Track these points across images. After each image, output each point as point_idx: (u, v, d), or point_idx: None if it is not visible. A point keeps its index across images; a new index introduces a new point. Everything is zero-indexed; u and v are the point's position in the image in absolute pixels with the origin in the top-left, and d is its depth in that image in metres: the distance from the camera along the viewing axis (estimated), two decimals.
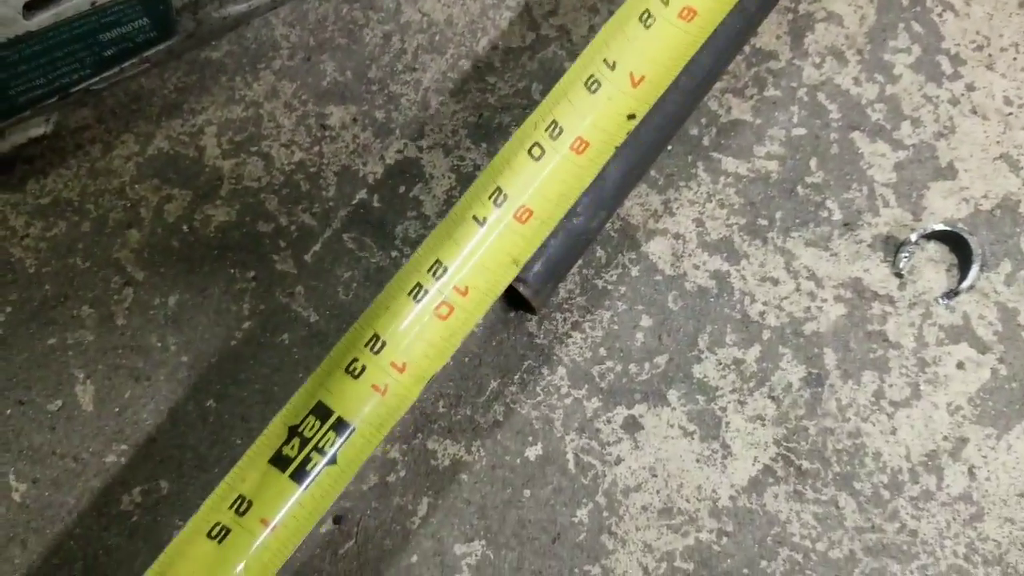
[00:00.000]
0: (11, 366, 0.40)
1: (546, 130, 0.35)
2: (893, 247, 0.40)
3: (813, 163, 0.41)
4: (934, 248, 0.40)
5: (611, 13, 0.37)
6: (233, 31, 0.43)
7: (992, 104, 0.41)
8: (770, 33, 0.42)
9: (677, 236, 0.41)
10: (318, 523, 0.38)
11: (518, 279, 0.37)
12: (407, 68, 0.43)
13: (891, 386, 0.38)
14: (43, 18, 0.35)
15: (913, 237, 0.39)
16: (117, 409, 0.39)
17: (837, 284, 0.40)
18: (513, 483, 0.38)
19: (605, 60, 0.35)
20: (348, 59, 0.43)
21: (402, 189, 0.42)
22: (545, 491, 0.38)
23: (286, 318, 0.40)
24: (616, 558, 0.37)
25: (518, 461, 0.38)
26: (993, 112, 0.41)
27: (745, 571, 0.37)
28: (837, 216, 0.40)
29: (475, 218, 0.35)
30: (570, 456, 0.38)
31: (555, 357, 0.39)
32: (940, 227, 0.39)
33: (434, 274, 0.34)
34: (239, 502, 0.33)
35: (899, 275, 0.39)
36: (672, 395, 0.39)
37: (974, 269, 0.38)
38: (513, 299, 0.39)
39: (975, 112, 0.41)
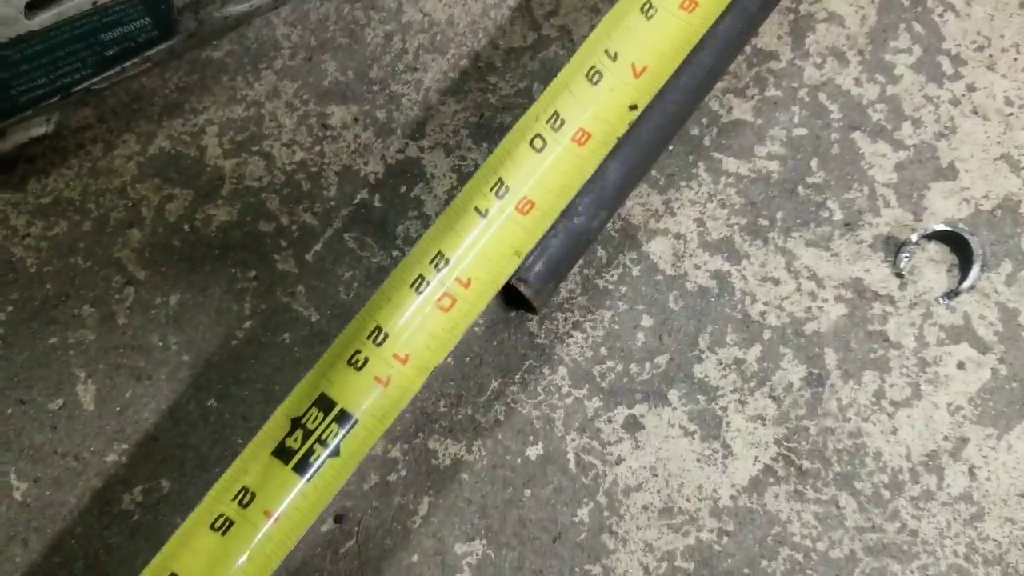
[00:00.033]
0: (12, 365, 0.40)
1: (547, 121, 0.35)
2: (894, 247, 0.40)
3: (814, 163, 0.41)
4: (935, 248, 0.40)
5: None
6: (234, 31, 0.44)
7: (993, 104, 0.41)
8: (771, 33, 0.43)
9: (678, 236, 0.41)
10: (319, 522, 0.38)
11: (519, 279, 0.37)
12: (408, 68, 0.43)
13: (892, 386, 0.38)
14: (45, 17, 0.35)
15: (914, 237, 0.39)
16: (118, 408, 0.39)
17: (838, 284, 0.40)
18: (514, 482, 0.38)
19: (606, 51, 0.35)
20: (349, 59, 0.43)
21: (403, 189, 0.42)
22: (546, 491, 0.38)
23: (287, 317, 0.40)
24: (617, 557, 0.37)
25: (519, 461, 0.38)
26: (994, 112, 0.41)
27: (746, 571, 0.37)
28: (838, 216, 0.40)
29: (477, 209, 0.35)
30: (571, 456, 0.38)
31: (556, 357, 0.39)
32: (941, 227, 0.39)
33: (436, 266, 0.34)
34: (242, 494, 0.33)
35: (900, 275, 0.39)
36: (673, 395, 0.39)
37: (975, 269, 0.38)
38: (514, 299, 0.39)
39: (976, 112, 0.41)
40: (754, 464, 0.38)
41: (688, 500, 0.38)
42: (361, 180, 0.42)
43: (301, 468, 0.33)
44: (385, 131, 0.42)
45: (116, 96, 0.43)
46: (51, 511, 0.38)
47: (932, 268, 0.39)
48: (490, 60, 0.43)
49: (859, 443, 0.38)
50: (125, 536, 0.38)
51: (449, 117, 0.42)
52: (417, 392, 0.35)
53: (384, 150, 0.42)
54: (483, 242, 0.35)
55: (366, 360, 0.34)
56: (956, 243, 0.39)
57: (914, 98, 0.41)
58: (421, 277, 0.34)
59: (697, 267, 0.40)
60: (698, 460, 0.38)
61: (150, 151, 0.42)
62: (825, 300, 0.39)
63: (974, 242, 0.39)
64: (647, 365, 0.39)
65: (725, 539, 0.37)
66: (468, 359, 0.40)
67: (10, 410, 0.39)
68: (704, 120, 0.42)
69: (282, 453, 0.33)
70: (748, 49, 0.42)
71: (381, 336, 0.34)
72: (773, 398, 0.38)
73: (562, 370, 0.39)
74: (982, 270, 0.39)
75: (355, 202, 0.42)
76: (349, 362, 0.34)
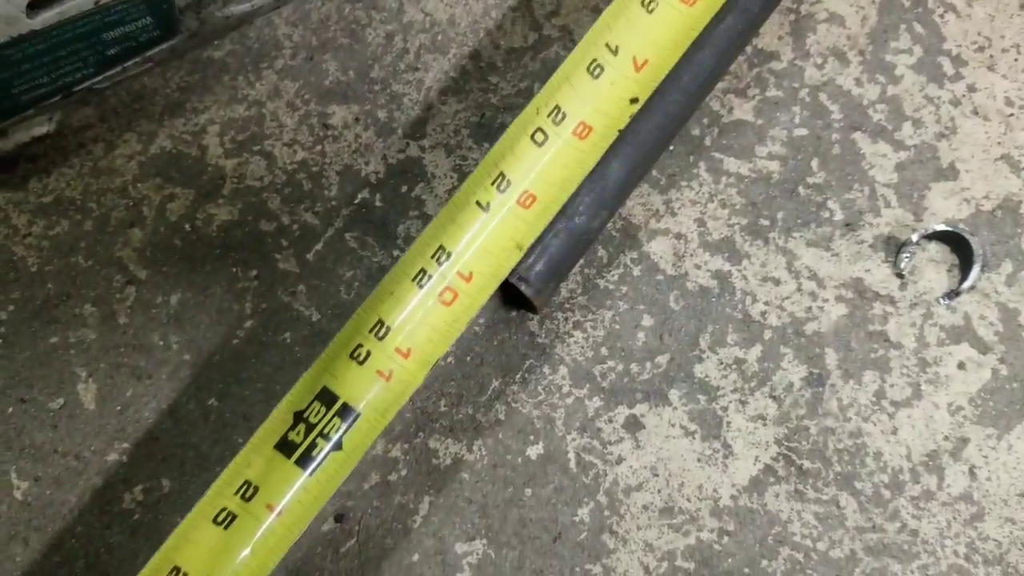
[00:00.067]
0: (13, 364, 0.40)
1: (549, 115, 0.35)
2: (894, 247, 0.40)
3: (815, 163, 0.41)
4: (935, 248, 0.40)
5: None
6: (236, 30, 0.44)
7: (993, 105, 0.41)
8: (772, 34, 0.43)
9: (679, 236, 0.41)
10: (320, 521, 0.38)
11: (520, 278, 0.37)
12: (409, 68, 0.43)
13: (892, 386, 0.38)
14: (47, 17, 0.35)
15: (914, 237, 0.39)
16: (119, 407, 0.39)
17: (838, 284, 0.40)
18: (514, 482, 0.38)
19: (607, 44, 0.35)
20: (351, 59, 0.43)
21: (404, 188, 0.42)
22: (546, 490, 0.38)
23: (288, 317, 0.40)
24: (617, 557, 0.37)
25: (519, 460, 0.38)
26: (994, 113, 0.41)
27: (746, 570, 0.37)
28: (838, 216, 0.40)
29: (478, 203, 0.35)
30: (571, 455, 0.38)
31: (556, 356, 0.39)
32: (941, 227, 0.39)
33: (437, 260, 0.34)
34: (245, 488, 0.33)
35: (900, 275, 0.39)
36: (673, 394, 0.39)
37: (975, 269, 0.39)
38: (515, 298, 0.40)
39: (976, 113, 0.41)
40: (755, 464, 0.38)
41: (688, 500, 0.38)
42: (362, 180, 0.42)
43: (303, 462, 0.33)
44: (386, 131, 0.42)
45: (117, 95, 0.43)
46: (52, 510, 0.38)
47: (932, 268, 0.40)
48: (491, 60, 0.43)
49: (859, 443, 0.38)
50: (126, 535, 0.38)
51: (450, 117, 0.43)
52: (419, 386, 0.35)
53: (385, 150, 0.42)
54: (484, 236, 0.35)
55: (368, 354, 0.34)
56: (956, 243, 0.39)
57: (915, 98, 0.41)
58: (423, 271, 0.34)
59: (698, 267, 0.40)
60: (699, 460, 0.38)
61: (151, 150, 0.43)
62: (826, 300, 0.39)
63: (974, 242, 0.39)
64: (648, 365, 0.39)
65: (725, 539, 0.37)
66: (469, 358, 0.40)
67: (11, 409, 0.39)
68: (705, 120, 0.42)
69: (284, 447, 0.33)
70: (749, 49, 0.42)
71: (383, 330, 0.34)
72: (774, 398, 0.39)
73: (563, 370, 0.39)
74: (982, 270, 0.39)
75: (356, 202, 0.42)
76: (351, 356, 0.34)
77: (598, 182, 0.38)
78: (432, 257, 0.34)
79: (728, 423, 0.38)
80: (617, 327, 0.40)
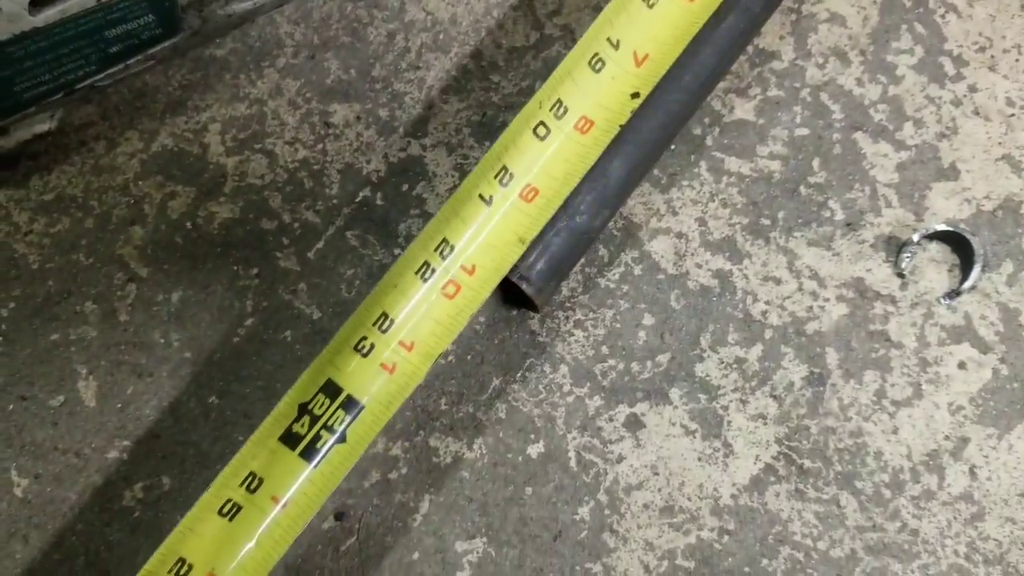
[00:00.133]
0: (14, 361, 0.40)
1: (551, 109, 0.35)
2: (895, 247, 0.40)
3: (816, 163, 0.41)
4: (936, 248, 0.40)
5: None
6: (238, 29, 0.44)
7: (994, 105, 0.41)
8: (773, 33, 0.43)
9: (680, 235, 0.41)
10: (320, 519, 0.38)
11: (521, 277, 0.37)
12: (411, 66, 0.43)
13: (893, 386, 0.38)
14: (49, 14, 0.35)
15: (915, 237, 0.39)
16: (119, 405, 0.39)
17: (839, 284, 0.40)
18: (515, 480, 0.38)
19: (609, 39, 0.36)
20: (352, 57, 0.44)
21: (405, 187, 0.42)
22: (547, 489, 0.38)
23: (289, 315, 0.40)
24: (617, 556, 0.37)
25: (520, 459, 0.38)
26: (995, 113, 0.41)
27: (746, 569, 0.37)
28: (839, 216, 0.40)
29: (481, 197, 0.35)
30: (572, 454, 0.38)
31: (557, 355, 0.39)
32: (942, 227, 0.39)
33: (441, 253, 0.35)
34: (250, 479, 0.33)
35: (901, 275, 0.39)
36: (674, 393, 0.39)
37: (976, 269, 0.39)
38: (516, 297, 0.40)
39: (977, 113, 0.41)
40: (755, 463, 0.38)
41: (689, 499, 0.38)
42: (363, 178, 0.42)
43: (308, 454, 0.33)
44: (387, 129, 0.43)
45: (119, 93, 0.43)
46: (52, 507, 0.38)
47: (933, 268, 0.40)
48: (492, 59, 0.43)
49: (860, 442, 0.38)
50: (126, 533, 0.38)
51: (451, 116, 0.43)
52: (422, 380, 0.35)
53: (386, 148, 0.42)
54: (487, 230, 0.35)
55: (372, 346, 0.34)
56: (957, 243, 0.39)
57: (916, 99, 0.41)
58: (426, 264, 0.34)
59: (699, 266, 0.40)
60: (699, 459, 0.38)
61: (153, 148, 0.43)
62: (826, 300, 0.39)
63: (975, 242, 0.39)
64: (648, 364, 0.39)
65: (726, 538, 0.37)
66: (469, 357, 0.40)
67: (11, 406, 0.39)
68: (706, 119, 0.42)
69: (289, 439, 0.33)
70: (750, 49, 0.42)
71: (387, 323, 0.34)
72: (774, 397, 0.39)
73: (563, 368, 0.39)
74: (983, 270, 0.39)
75: (357, 200, 0.42)
76: (355, 348, 0.34)
77: (599, 181, 0.38)
78: (435, 250, 0.35)
79: (729, 422, 0.38)
80: (618, 326, 0.40)
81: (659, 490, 0.38)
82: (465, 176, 0.42)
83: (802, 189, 0.41)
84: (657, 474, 0.38)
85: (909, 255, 0.39)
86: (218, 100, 0.43)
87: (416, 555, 0.38)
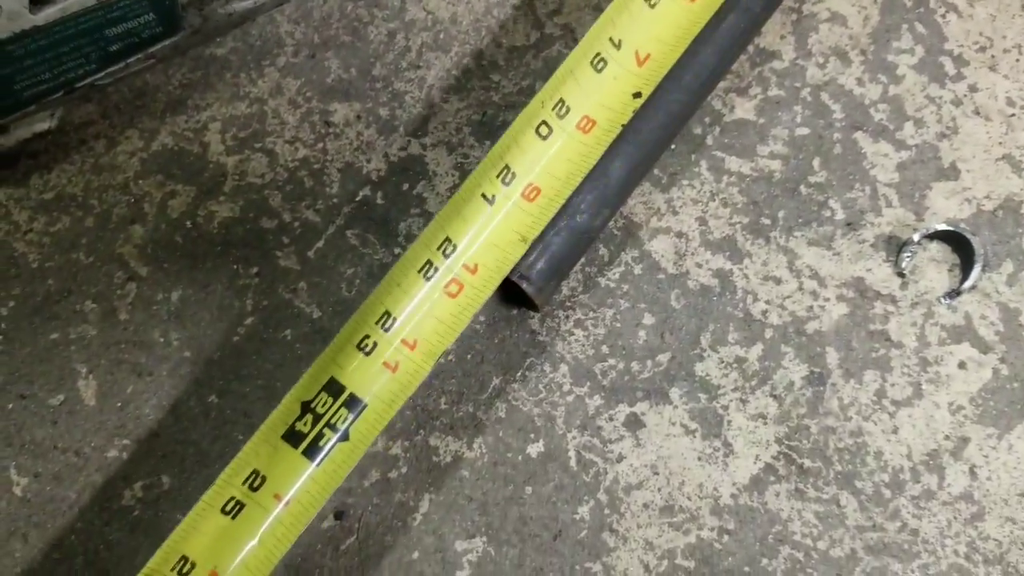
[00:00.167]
0: (14, 360, 0.40)
1: (553, 108, 0.35)
2: (895, 247, 0.40)
3: (816, 163, 0.41)
4: (936, 248, 0.40)
5: None
6: (238, 28, 0.44)
7: (995, 105, 0.41)
8: (774, 33, 0.43)
9: (680, 234, 0.41)
10: (320, 518, 0.38)
11: (521, 276, 0.37)
12: (411, 66, 0.43)
13: (893, 385, 0.38)
14: (50, 13, 0.35)
15: (915, 237, 0.39)
16: (119, 404, 0.39)
17: (839, 283, 0.40)
18: (515, 480, 0.38)
19: (611, 39, 0.36)
20: (353, 56, 0.44)
21: (405, 186, 0.42)
22: (547, 488, 0.38)
23: (289, 314, 0.40)
24: (617, 555, 0.37)
25: (520, 458, 0.38)
26: (996, 113, 0.41)
27: (746, 569, 0.37)
28: (840, 216, 0.40)
29: (484, 196, 0.35)
30: (572, 453, 0.38)
31: (557, 354, 0.39)
32: (942, 227, 0.39)
33: (444, 252, 0.35)
34: (253, 477, 0.33)
35: (901, 275, 0.39)
36: (674, 393, 0.39)
37: (976, 269, 0.39)
38: (516, 296, 0.39)
39: (978, 113, 0.41)
40: (755, 463, 0.38)
41: (689, 498, 0.38)
42: (363, 177, 0.42)
43: (311, 453, 0.33)
44: (388, 128, 0.42)
45: (119, 92, 0.43)
46: (51, 507, 0.38)
47: (934, 268, 0.40)
48: (493, 58, 0.43)
49: (860, 442, 0.38)
50: (125, 532, 0.38)
51: (452, 115, 0.43)
52: (425, 378, 0.35)
53: (387, 147, 0.42)
54: (490, 228, 0.35)
55: (375, 345, 0.34)
56: (958, 243, 0.39)
57: (916, 98, 0.41)
58: (429, 263, 0.35)
59: (699, 266, 0.40)
60: (699, 458, 0.38)
61: (153, 147, 0.43)
62: (827, 299, 0.39)
63: (976, 242, 0.39)
64: (648, 363, 0.39)
65: (726, 537, 0.37)
66: (469, 356, 0.40)
67: (11, 405, 0.39)
68: (707, 119, 0.42)
69: (292, 437, 0.34)
70: (751, 48, 0.42)
71: (390, 321, 0.34)
72: (774, 397, 0.39)
73: (563, 368, 0.39)
74: (983, 270, 0.39)
75: (357, 199, 0.42)
76: (358, 347, 0.34)
77: (600, 180, 0.38)
78: (438, 249, 0.35)
79: (729, 422, 0.38)
80: (618, 325, 0.40)
81: (659, 489, 0.38)
82: (465, 175, 0.42)
83: (802, 189, 0.41)
84: (657, 473, 0.38)
85: (909, 255, 0.39)
86: (218, 99, 0.43)
87: (416, 554, 0.38)
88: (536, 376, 0.39)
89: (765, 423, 0.38)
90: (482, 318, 0.40)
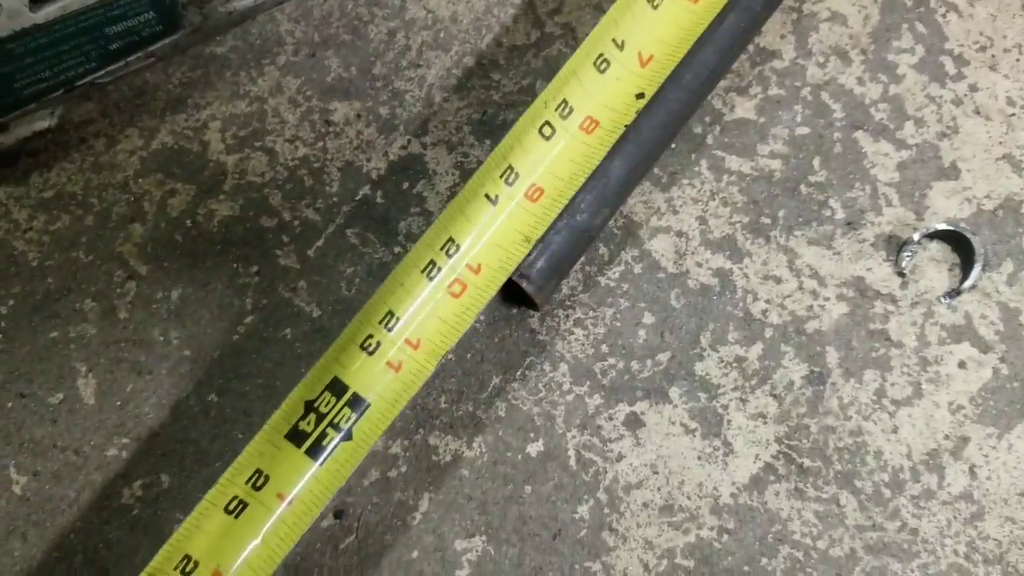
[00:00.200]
0: (13, 359, 0.40)
1: (556, 109, 0.36)
2: (895, 246, 0.40)
3: (816, 162, 0.41)
4: (936, 247, 0.40)
5: None
6: (238, 26, 0.44)
7: (995, 105, 0.41)
8: (774, 32, 0.43)
9: (680, 234, 0.41)
10: (319, 517, 0.38)
11: (521, 275, 0.37)
12: (411, 65, 0.43)
13: (893, 385, 0.38)
14: (50, 11, 0.35)
15: (916, 236, 0.39)
16: (119, 403, 0.39)
17: (839, 283, 0.40)
18: (514, 479, 0.38)
19: (614, 40, 0.36)
20: (353, 55, 0.43)
21: (405, 185, 0.42)
22: (546, 487, 0.38)
23: (289, 313, 0.40)
24: (617, 555, 0.37)
25: (519, 457, 0.38)
26: (996, 113, 0.41)
27: (746, 568, 0.37)
28: (840, 215, 0.40)
29: (487, 196, 0.35)
30: (571, 452, 0.38)
31: (557, 353, 0.39)
32: (943, 227, 0.39)
33: (447, 252, 0.35)
34: (256, 476, 0.33)
35: (901, 274, 0.39)
36: (674, 392, 0.39)
37: (976, 269, 0.39)
38: (516, 295, 0.39)
39: (978, 113, 0.41)
40: (755, 462, 0.38)
41: (688, 498, 0.38)
42: (363, 176, 0.42)
43: (314, 452, 0.33)
44: (388, 127, 0.42)
45: (119, 91, 0.43)
46: (50, 505, 0.38)
47: (934, 267, 0.40)
48: (493, 57, 0.43)
49: (860, 441, 0.38)
50: (125, 531, 0.38)
51: (452, 114, 0.43)
52: (429, 376, 0.35)
53: (387, 146, 0.42)
54: (493, 228, 0.35)
55: (378, 344, 0.34)
56: (958, 242, 0.39)
57: (916, 98, 0.41)
58: (432, 263, 0.35)
59: (699, 265, 0.40)
60: (699, 458, 0.38)
61: (153, 146, 0.42)
62: (827, 299, 0.39)
63: (976, 241, 0.39)
64: (648, 362, 0.39)
65: (725, 537, 0.37)
66: (469, 355, 0.40)
67: (10, 404, 0.39)
68: (707, 118, 0.42)
69: (295, 436, 0.34)
70: (751, 48, 0.42)
71: (393, 321, 0.34)
72: (774, 396, 0.38)
73: (563, 367, 0.39)
74: (983, 270, 0.39)
75: (357, 198, 0.42)
76: (361, 346, 0.34)
77: (600, 179, 0.38)
78: (441, 249, 0.35)
79: (728, 421, 0.38)
80: (618, 324, 0.40)
81: (658, 489, 0.38)
82: (465, 174, 0.42)
83: (803, 188, 0.41)
84: (657, 473, 0.38)
85: (909, 254, 0.39)
86: (218, 98, 0.43)
87: (415, 553, 0.37)
88: (536, 375, 0.39)
89: (765, 422, 0.38)
90: (482, 317, 0.40)
